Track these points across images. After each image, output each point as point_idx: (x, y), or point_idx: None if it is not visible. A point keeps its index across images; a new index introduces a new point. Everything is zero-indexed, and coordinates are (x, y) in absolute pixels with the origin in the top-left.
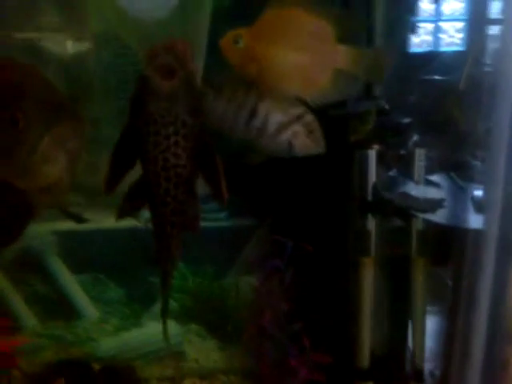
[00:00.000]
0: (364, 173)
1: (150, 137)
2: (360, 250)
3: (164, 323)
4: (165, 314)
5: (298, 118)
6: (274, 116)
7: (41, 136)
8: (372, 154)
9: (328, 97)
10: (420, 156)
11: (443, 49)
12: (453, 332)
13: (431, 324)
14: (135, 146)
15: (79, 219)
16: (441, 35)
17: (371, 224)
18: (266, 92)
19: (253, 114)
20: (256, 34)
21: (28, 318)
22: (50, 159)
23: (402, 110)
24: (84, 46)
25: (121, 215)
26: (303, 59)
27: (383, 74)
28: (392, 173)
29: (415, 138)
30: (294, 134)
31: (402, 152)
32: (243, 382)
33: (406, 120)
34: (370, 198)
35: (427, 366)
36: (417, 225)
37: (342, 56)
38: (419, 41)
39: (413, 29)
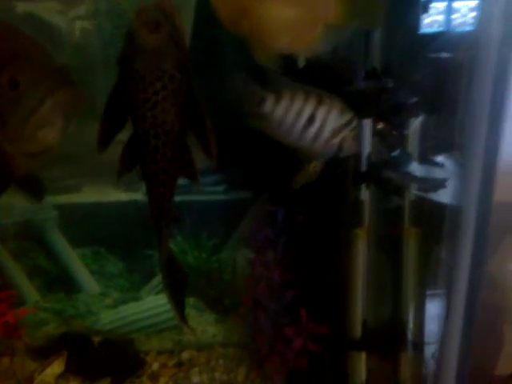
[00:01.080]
0: (359, 143)
1: (139, 94)
2: (353, 221)
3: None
4: (165, 280)
5: (348, 123)
6: (329, 122)
7: (41, 100)
8: (366, 123)
9: (319, 49)
10: (424, 135)
11: (455, 29)
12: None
13: (435, 307)
14: (125, 105)
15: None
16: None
17: (365, 195)
18: (258, 47)
19: (311, 121)
20: None
21: (29, 291)
22: (48, 124)
23: (406, 90)
24: (85, 17)
25: (120, 175)
26: (295, 13)
27: (376, 21)
28: (395, 152)
29: (419, 117)
30: (344, 138)
31: (406, 132)
32: (241, 354)
33: (411, 99)
34: (364, 168)
35: (430, 349)
36: (410, 196)
37: (334, 8)
38: (430, 21)
39: (424, 8)
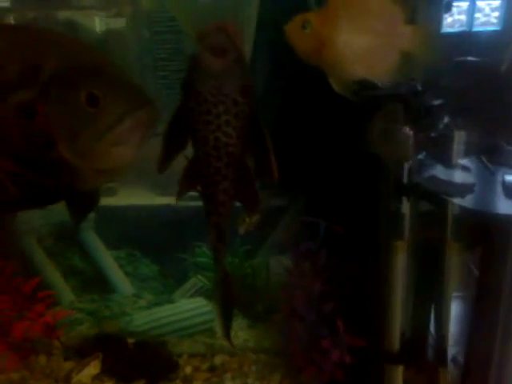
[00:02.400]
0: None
1: (201, 116)
2: (393, 233)
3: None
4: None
5: None
6: None
7: (120, 118)
8: (409, 134)
9: (395, 76)
10: (459, 139)
11: (478, 28)
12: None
13: (454, 310)
14: (187, 127)
15: None
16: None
17: (405, 207)
18: (335, 76)
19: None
20: (324, 18)
21: (65, 291)
22: (124, 142)
23: (434, 92)
24: (122, 24)
25: (180, 196)
26: (372, 42)
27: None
28: (421, 155)
29: (446, 120)
30: None
31: (433, 134)
32: (273, 360)
33: (439, 102)
34: (405, 180)
35: (450, 352)
36: (452, 209)
37: (409, 36)
38: (451, 20)
39: (447, 8)
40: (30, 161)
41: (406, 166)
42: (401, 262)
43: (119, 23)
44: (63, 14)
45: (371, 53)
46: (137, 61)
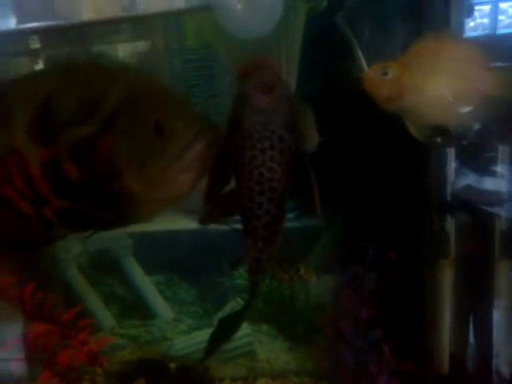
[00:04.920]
0: (442, 172)
1: (246, 151)
2: (439, 252)
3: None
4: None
5: None
6: None
7: (188, 146)
8: (451, 152)
9: (475, 120)
10: (504, 152)
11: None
12: None
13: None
14: (231, 161)
15: None
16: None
17: (450, 225)
18: (414, 122)
19: None
20: (405, 65)
21: (106, 317)
22: (190, 170)
23: None
24: (154, 55)
25: (205, 222)
26: (453, 88)
27: None
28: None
29: (476, 127)
30: None
31: (464, 143)
32: (316, 383)
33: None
34: (448, 198)
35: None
36: (500, 225)
37: (491, 81)
38: (474, 24)
39: (469, 12)
40: (88, 195)
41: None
42: (447, 281)
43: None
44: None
45: (452, 99)
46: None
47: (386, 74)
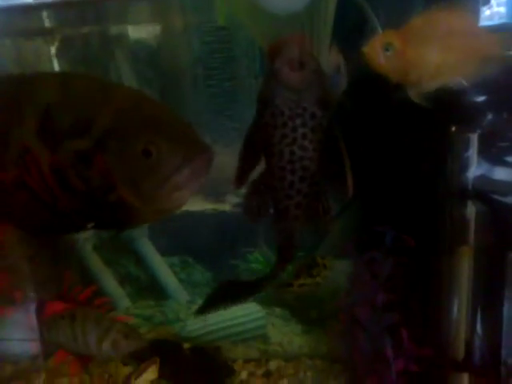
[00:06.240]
0: (464, 158)
1: (277, 129)
2: (459, 239)
3: None
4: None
5: None
6: None
7: (178, 168)
8: (474, 138)
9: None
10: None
11: None
12: None
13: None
14: (262, 141)
15: None
16: None
17: (471, 212)
18: (416, 87)
19: None
20: (407, 38)
21: (121, 297)
22: (183, 188)
23: (478, 88)
24: (174, 35)
25: (248, 212)
26: (456, 56)
27: None
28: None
29: (490, 116)
30: None
31: (478, 131)
32: (329, 367)
33: (483, 98)
34: (469, 185)
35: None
36: None
37: (489, 43)
38: (490, 13)
39: (485, 0)
40: (88, 200)
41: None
42: (466, 268)
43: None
44: (114, 29)
45: (455, 65)
46: (188, 70)
47: (387, 50)
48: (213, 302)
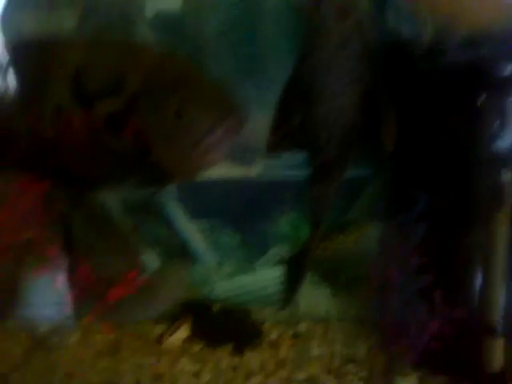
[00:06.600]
0: (498, 125)
1: (318, 81)
2: (494, 206)
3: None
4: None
5: None
6: None
7: (210, 129)
8: (507, 105)
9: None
10: None
11: None
12: None
13: None
14: (301, 94)
15: None
16: None
17: (506, 179)
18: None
19: None
20: None
21: (151, 258)
22: (215, 149)
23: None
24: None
25: (272, 150)
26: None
27: None
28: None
29: None
30: None
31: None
32: (358, 330)
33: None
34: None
35: None
36: None
37: None
38: None
39: None
40: (125, 161)
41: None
42: (503, 234)
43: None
44: None
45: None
46: (215, 37)
47: None
48: (292, 287)
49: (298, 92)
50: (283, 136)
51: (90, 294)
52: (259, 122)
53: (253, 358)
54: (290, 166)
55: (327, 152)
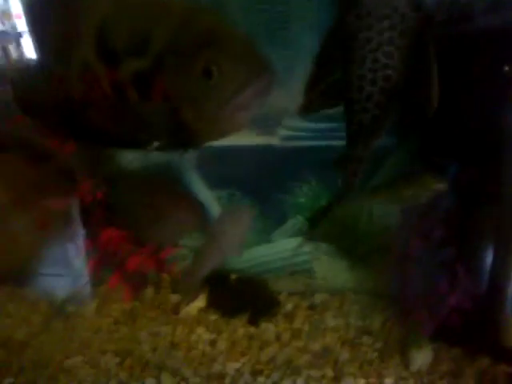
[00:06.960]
0: None
1: (361, 32)
2: None
3: None
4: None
5: None
6: None
7: (241, 88)
8: None
9: None
10: None
11: None
12: None
13: None
14: (340, 46)
15: None
16: None
17: None
18: None
19: None
20: None
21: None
22: (245, 108)
23: None
24: None
25: (305, 111)
26: None
27: None
28: None
29: None
30: None
31: None
32: (374, 302)
33: None
34: None
35: None
36: None
37: None
38: None
39: None
40: (153, 121)
41: None
42: None
43: None
44: None
45: None
46: None
47: None
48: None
49: (340, 42)
50: (321, 93)
51: (109, 261)
52: (282, 87)
53: (268, 329)
54: (311, 135)
55: (366, 111)
